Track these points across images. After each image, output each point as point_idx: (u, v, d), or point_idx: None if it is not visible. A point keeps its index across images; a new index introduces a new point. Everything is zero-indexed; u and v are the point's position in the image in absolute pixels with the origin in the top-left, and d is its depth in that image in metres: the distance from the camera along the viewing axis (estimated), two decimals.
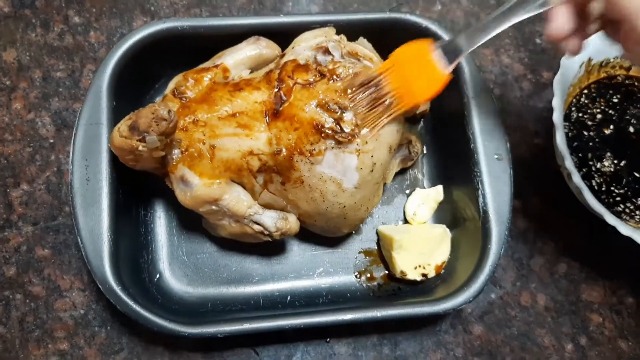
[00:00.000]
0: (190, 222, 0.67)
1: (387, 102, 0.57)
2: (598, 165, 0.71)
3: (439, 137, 0.73)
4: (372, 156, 0.57)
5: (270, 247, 0.67)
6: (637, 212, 0.70)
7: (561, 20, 0.50)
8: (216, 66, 0.62)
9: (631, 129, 0.72)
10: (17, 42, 0.72)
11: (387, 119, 0.57)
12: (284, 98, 0.57)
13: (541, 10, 0.51)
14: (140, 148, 0.53)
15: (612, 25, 0.51)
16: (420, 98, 0.58)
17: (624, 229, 0.61)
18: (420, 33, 0.68)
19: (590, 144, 0.71)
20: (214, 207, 0.59)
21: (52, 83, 0.71)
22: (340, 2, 0.78)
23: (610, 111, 0.72)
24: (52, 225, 0.67)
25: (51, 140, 0.69)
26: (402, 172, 0.73)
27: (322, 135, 0.56)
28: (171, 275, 0.67)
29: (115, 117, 0.61)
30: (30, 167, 0.68)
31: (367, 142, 0.57)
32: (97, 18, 0.73)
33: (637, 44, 0.47)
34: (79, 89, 0.71)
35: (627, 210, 0.70)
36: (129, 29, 0.73)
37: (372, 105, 0.57)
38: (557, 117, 0.63)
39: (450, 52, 0.57)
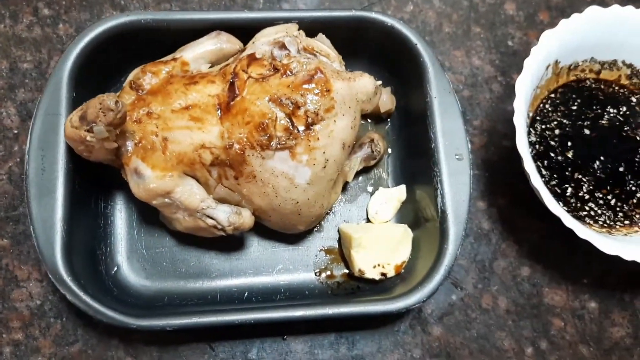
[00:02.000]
0: (151, 216, 0.67)
1: None
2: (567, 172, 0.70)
3: (404, 136, 0.72)
4: (324, 152, 0.57)
5: (230, 242, 0.67)
6: (601, 217, 0.69)
7: None
8: (175, 59, 0.62)
9: (587, 132, 0.72)
10: None
11: None
12: (237, 92, 0.57)
13: None
14: (88, 138, 0.53)
15: None
16: None
17: (581, 231, 0.61)
18: (387, 32, 0.68)
19: (557, 165, 0.71)
20: (167, 200, 0.59)
21: (18, 74, 0.71)
22: (313, 0, 0.78)
23: (565, 121, 0.72)
24: (12, 216, 0.67)
25: (15, 131, 0.69)
26: (367, 170, 0.72)
27: (273, 129, 0.55)
28: (129, 268, 0.66)
29: (75, 108, 0.61)
30: None
31: (318, 139, 0.56)
32: (67, 10, 0.74)
33: None
34: (45, 80, 0.71)
35: (592, 214, 0.69)
36: (99, 20, 0.73)
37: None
38: (518, 117, 0.63)
39: None
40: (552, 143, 0.71)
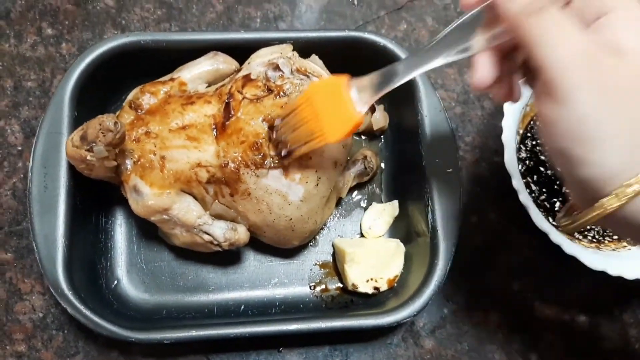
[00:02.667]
0: (150, 231, 0.69)
1: (302, 140, 0.55)
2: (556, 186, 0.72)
3: (397, 153, 0.74)
4: (316, 171, 0.59)
5: (226, 257, 0.69)
6: (590, 232, 0.71)
7: (484, 68, 0.45)
8: (173, 79, 0.64)
9: None
10: None
11: (305, 149, 0.55)
12: (232, 112, 0.59)
13: (461, 57, 0.46)
14: (88, 158, 0.55)
15: (532, 73, 0.45)
16: (331, 139, 0.52)
17: (569, 247, 0.62)
18: (379, 52, 0.70)
19: (547, 180, 0.72)
20: (164, 217, 0.60)
21: (22, 92, 0.73)
22: (308, 19, 0.80)
23: None
24: (16, 230, 0.69)
25: (19, 148, 0.71)
26: (361, 186, 0.74)
27: (267, 149, 0.57)
28: (129, 282, 0.68)
29: (76, 127, 0.63)
30: None
31: (311, 158, 0.58)
32: (70, 30, 0.76)
33: (551, 99, 0.41)
34: (48, 98, 0.73)
35: (582, 229, 0.71)
36: (100, 41, 0.76)
37: (293, 141, 0.56)
38: (507, 136, 0.65)
39: (367, 91, 0.51)
40: (542, 158, 0.73)
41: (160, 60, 0.68)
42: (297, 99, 0.55)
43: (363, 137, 0.76)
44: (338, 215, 0.73)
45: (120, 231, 0.70)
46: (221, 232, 0.61)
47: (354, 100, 0.51)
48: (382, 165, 0.75)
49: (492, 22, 0.43)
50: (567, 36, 0.39)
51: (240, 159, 0.58)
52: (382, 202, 0.74)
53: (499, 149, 0.76)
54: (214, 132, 0.59)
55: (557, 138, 0.41)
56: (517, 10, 0.40)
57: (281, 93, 0.59)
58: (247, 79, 0.61)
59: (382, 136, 0.76)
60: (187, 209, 0.60)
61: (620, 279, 0.64)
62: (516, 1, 0.40)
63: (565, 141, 0.40)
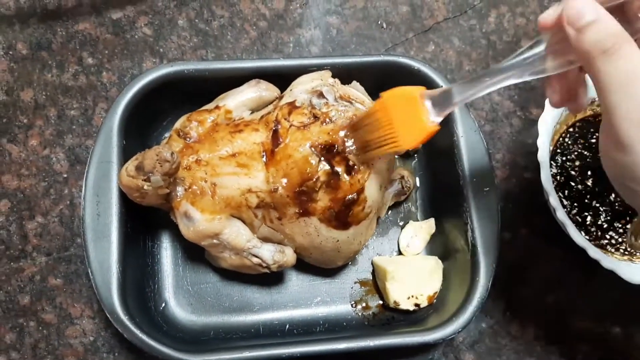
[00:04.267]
0: (195, 253, 0.71)
1: (374, 145, 0.58)
2: (586, 200, 0.74)
3: (431, 172, 0.76)
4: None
5: (270, 277, 0.70)
6: (622, 245, 0.73)
7: (557, 90, 0.48)
8: (218, 107, 0.66)
9: None
10: (34, 83, 0.76)
11: (377, 153, 0.58)
12: (280, 139, 0.61)
13: (535, 77, 0.47)
14: (145, 187, 0.57)
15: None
16: (405, 146, 0.55)
17: (607, 262, 0.64)
18: (413, 74, 0.72)
19: (577, 194, 0.74)
20: (215, 241, 0.62)
21: (66, 121, 0.75)
22: (339, 43, 0.82)
23: (585, 152, 0.75)
24: (65, 256, 0.71)
25: (65, 175, 0.73)
26: (396, 205, 0.76)
27: (316, 174, 0.59)
28: (176, 304, 0.70)
29: (125, 155, 0.65)
30: (45, 200, 0.72)
31: (359, 181, 0.60)
32: (109, 59, 0.78)
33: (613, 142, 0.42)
34: (91, 126, 0.75)
35: (613, 242, 0.73)
36: (139, 69, 0.78)
37: (363, 146, 0.60)
38: (542, 155, 0.67)
39: (440, 103, 0.53)
40: (573, 173, 0.75)
41: (201, 88, 0.70)
42: (373, 105, 0.58)
43: (397, 157, 0.78)
44: (376, 234, 0.75)
45: (166, 255, 0.72)
46: (270, 254, 0.63)
47: (429, 110, 0.54)
48: (417, 183, 0.77)
49: (568, 48, 0.42)
50: (638, 89, 0.38)
51: (289, 184, 0.60)
52: (417, 220, 0.76)
53: (529, 165, 0.78)
54: (264, 159, 0.61)
55: (618, 175, 0.43)
56: (588, 46, 0.39)
57: (327, 120, 0.61)
58: (292, 106, 0.63)
59: (415, 155, 0.78)
60: (237, 233, 0.62)
61: None
62: (588, 35, 0.39)
63: (626, 179, 0.43)
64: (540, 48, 0.45)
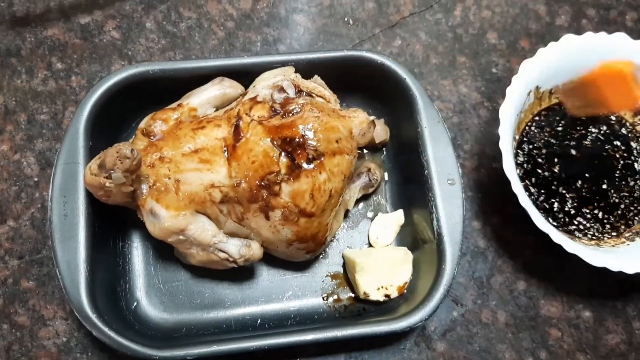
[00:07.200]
0: (166, 252, 0.71)
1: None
2: (553, 187, 0.75)
3: (399, 164, 0.77)
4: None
5: (241, 273, 0.71)
6: (590, 230, 0.73)
7: None
8: (182, 105, 0.67)
9: (573, 152, 0.76)
10: (4, 89, 0.77)
11: (586, 112, 0.76)
12: (241, 134, 0.61)
13: None
14: (107, 184, 0.58)
15: None
16: (616, 108, 0.74)
17: (570, 246, 0.65)
18: (377, 68, 0.73)
19: (544, 181, 0.75)
20: (181, 237, 0.63)
21: (36, 125, 0.76)
22: (306, 40, 0.83)
23: (552, 140, 0.76)
24: (37, 259, 0.72)
25: (35, 179, 0.74)
26: (366, 197, 0.77)
27: (277, 167, 0.60)
28: (148, 303, 0.71)
29: (92, 156, 0.65)
30: (16, 204, 0.73)
31: (320, 173, 0.61)
32: (78, 63, 0.79)
33: None
34: (61, 130, 0.76)
35: (581, 227, 0.74)
36: (108, 72, 0.79)
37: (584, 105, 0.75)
38: (503, 143, 0.68)
39: None
40: (540, 160, 0.76)
41: (167, 88, 0.71)
42: (588, 73, 0.74)
43: (365, 151, 0.78)
44: (346, 227, 0.76)
45: (137, 254, 0.72)
46: (236, 249, 0.64)
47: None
48: (386, 176, 0.77)
49: None
50: None
51: (252, 177, 0.60)
52: (387, 212, 0.77)
53: (497, 155, 0.79)
54: (225, 154, 0.62)
55: None
56: None
57: (287, 113, 0.62)
58: (254, 101, 0.63)
59: (383, 149, 0.79)
60: (203, 229, 0.63)
61: (621, 273, 0.66)
62: None
63: None
64: None
